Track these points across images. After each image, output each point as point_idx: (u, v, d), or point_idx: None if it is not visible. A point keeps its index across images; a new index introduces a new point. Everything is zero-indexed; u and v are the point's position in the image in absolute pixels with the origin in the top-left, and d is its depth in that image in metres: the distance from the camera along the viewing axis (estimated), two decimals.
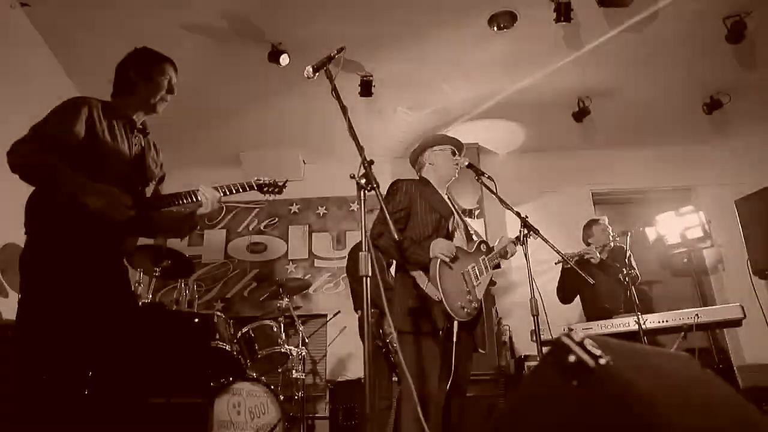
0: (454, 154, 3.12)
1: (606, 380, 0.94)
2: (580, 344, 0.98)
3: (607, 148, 6.40)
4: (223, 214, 6.28)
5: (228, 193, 2.42)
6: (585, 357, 0.96)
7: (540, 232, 2.84)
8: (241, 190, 2.48)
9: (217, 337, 3.65)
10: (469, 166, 3.06)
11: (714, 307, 3.94)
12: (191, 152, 5.99)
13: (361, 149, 1.98)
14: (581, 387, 0.96)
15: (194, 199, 2.32)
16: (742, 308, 3.75)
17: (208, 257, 6.12)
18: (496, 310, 5.29)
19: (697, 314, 3.82)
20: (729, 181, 6.10)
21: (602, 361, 0.96)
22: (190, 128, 5.55)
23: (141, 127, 2.39)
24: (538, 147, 6.38)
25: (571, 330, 3.91)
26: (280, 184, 2.71)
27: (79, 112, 2.14)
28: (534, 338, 2.85)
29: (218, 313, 3.85)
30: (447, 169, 3.08)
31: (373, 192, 1.90)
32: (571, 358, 0.98)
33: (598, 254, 4.32)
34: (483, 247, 2.91)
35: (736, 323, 3.87)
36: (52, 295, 1.94)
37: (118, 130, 2.26)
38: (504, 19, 4.37)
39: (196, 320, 3.58)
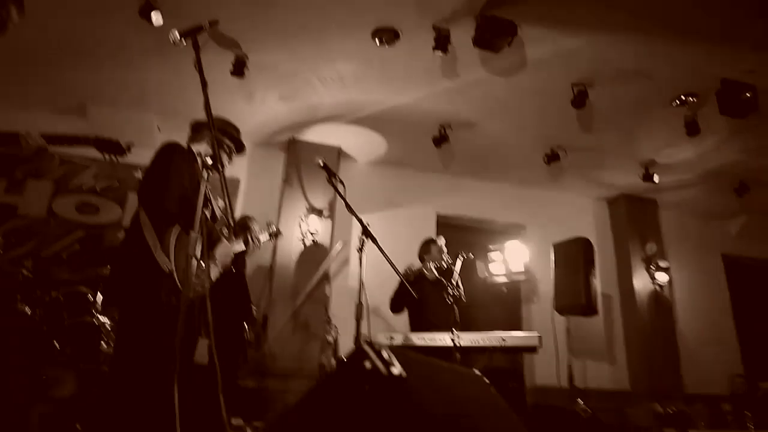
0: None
1: (393, 389, 1.01)
2: (378, 353, 1.04)
3: (458, 175, 6.85)
4: (54, 166, 5.64)
5: (57, 143, 2.19)
6: (379, 365, 1.02)
7: (378, 241, 2.94)
8: (74, 144, 2.26)
9: (18, 298, 3.28)
10: (324, 166, 3.08)
11: (518, 333, 4.31)
12: (34, 92, 5.35)
13: (212, 127, 1.92)
14: (371, 393, 1.02)
15: (13, 142, 2.07)
16: (540, 338, 4.14)
17: (27, 209, 5.45)
18: (326, 310, 5.39)
19: (503, 338, 4.15)
20: (554, 225, 6.84)
21: (395, 371, 1.02)
22: (37, 64, 4.94)
23: None
24: (396, 162, 6.64)
25: (392, 338, 4.05)
26: (123, 146, 2.49)
27: None
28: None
29: (24, 272, 3.47)
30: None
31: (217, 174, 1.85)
32: (367, 365, 1.03)
33: (435, 272, 4.55)
34: (225, 231, 2.88)
35: (532, 350, 4.27)
36: None
37: None
38: (387, 36, 4.46)
39: None
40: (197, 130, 2.87)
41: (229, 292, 2.81)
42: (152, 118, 5.78)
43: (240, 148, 3.08)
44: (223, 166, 1.86)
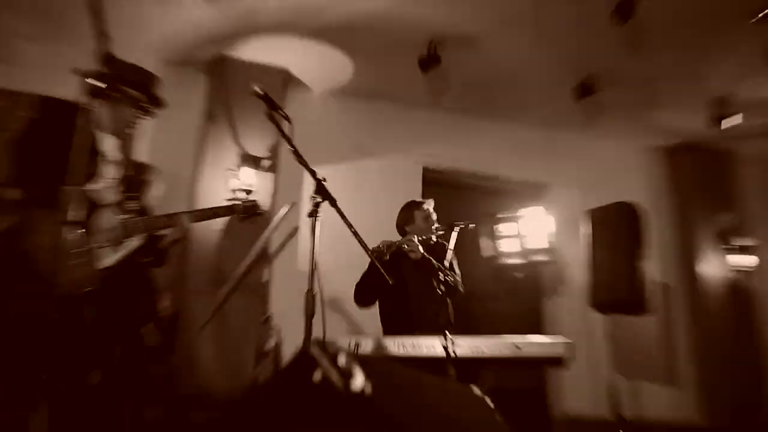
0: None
1: (356, 410, 1.00)
2: (333, 359, 1.04)
3: (454, 113, 6.86)
4: None
5: None
6: (334, 376, 1.02)
7: (338, 204, 2.93)
8: None
9: None
10: (264, 97, 3.05)
11: (538, 339, 4.30)
12: None
13: (103, 36, 1.86)
14: (324, 412, 1.01)
15: None
16: (570, 346, 4.17)
17: None
18: (264, 302, 5.39)
19: (516, 345, 4.16)
20: (588, 186, 6.89)
21: (356, 386, 1.02)
22: None
23: None
24: (366, 92, 6.61)
25: (357, 344, 4.08)
26: None
27: None
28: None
29: None
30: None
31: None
32: (317, 376, 1.02)
33: (420, 249, 4.51)
34: (133, 204, 2.98)
35: (559, 362, 4.28)
36: None
37: None
38: None
39: None
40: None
41: (120, 278, 2.83)
42: (16, 24, 5.64)
43: (156, 102, 3.20)
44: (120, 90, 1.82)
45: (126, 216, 2.97)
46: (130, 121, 3.14)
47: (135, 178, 3.22)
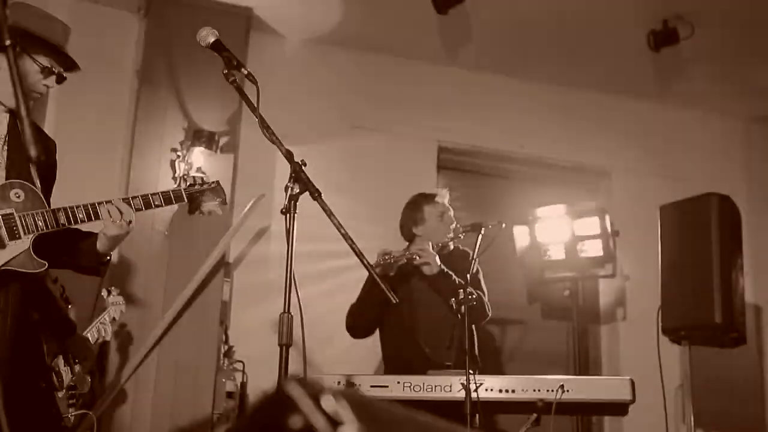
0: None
1: None
2: (316, 400, 1.01)
3: (478, 72, 6.85)
4: None
5: None
6: (319, 424, 0.99)
7: (322, 196, 2.90)
8: None
9: None
10: (217, 47, 3.05)
11: (591, 377, 4.34)
12: None
13: None
14: None
15: None
16: (632, 386, 4.14)
17: None
18: (225, 331, 5.38)
19: (562, 385, 4.18)
20: (663, 170, 6.89)
21: None
22: None
23: None
24: (361, 42, 6.60)
25: (353, 385, 4.08)
26: None
27: None
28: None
29: None
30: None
31: None
32: (295, 423, 1.00)
33: (437, 260, 4.53)
34: (18, 196, 2.94)
35: (618, 409, 4.34)
36: None
37: None
38: None
39: None
40: None
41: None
42: None
43: (68, 64, 3.16)
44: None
45: (9, 210, 2.90)
46: (32, 85, 3.08)
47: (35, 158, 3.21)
